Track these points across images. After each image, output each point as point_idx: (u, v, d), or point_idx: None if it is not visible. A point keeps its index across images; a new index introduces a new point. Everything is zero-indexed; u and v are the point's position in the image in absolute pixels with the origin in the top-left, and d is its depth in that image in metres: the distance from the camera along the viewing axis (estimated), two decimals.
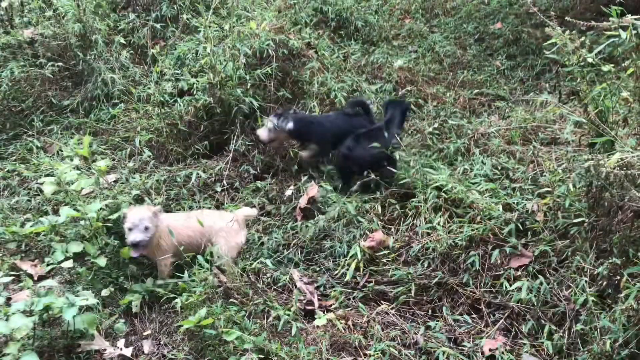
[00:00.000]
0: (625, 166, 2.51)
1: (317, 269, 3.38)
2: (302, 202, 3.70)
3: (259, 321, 2.95)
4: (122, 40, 4.93)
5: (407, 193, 3.52)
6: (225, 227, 3.28)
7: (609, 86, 2.95)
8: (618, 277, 2.62)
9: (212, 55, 4.15)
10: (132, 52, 5.05)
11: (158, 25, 5.22)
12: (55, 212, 3.58)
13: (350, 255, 3.29)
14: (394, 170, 3.66)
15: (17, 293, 3.22)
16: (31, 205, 3.85)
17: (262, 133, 4.11)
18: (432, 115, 4.45)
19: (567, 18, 2.92)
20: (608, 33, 2.86)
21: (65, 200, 3.45)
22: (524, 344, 2.75)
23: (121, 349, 2.88)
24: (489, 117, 4.39)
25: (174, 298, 2.95)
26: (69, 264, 3.12)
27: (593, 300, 2.64)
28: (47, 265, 3.26)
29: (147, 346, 2.93)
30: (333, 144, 4.01)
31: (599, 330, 2.56)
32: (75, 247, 3.20)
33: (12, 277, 3.21)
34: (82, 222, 3.32)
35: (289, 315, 2.93)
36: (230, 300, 3.00)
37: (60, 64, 4.85)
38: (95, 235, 3.28)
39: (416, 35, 5.92)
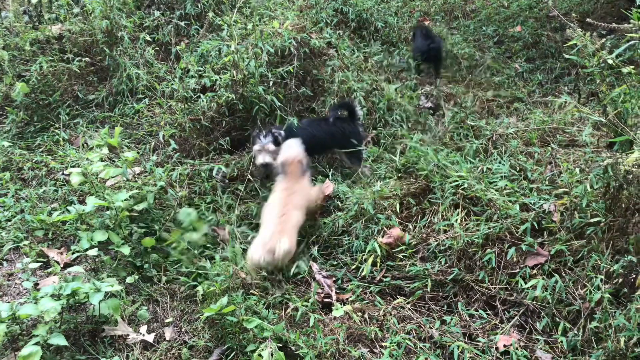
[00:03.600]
0: None
1: (335, 263, 3.44)
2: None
3: (277, 312, 3.02)
4: (147, 37, 5.04)
5: (424, 189, 3.57)
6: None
7: (628, 88, 2.98)
8: (634, 276, 2.64)
9: (235, 53, 4.24)
10: (156, 48, 5.16)
11: (182, 23, 5.32)
12: (81, 202, 3.70)
13: (367, 250, 3.34)
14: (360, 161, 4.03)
15: (44, 279, 3.34)
16: (58, 195, 3.97)
17: (260, 159, 3.89)
18: (450, 115, 4.50)
19: (588, 20, 2.95)
20: (628, 35, 2.89)
21: (91, 190, 3.55)
22: (538, 340, 2.79)
23: (144, 335, 2.96)
24: (507, 118, 4.42)
25: (196, 286, 3.04)
26: (94, 252, 3.22)
27: (608, 299, 2.68)
28: (73, 253, 3.38)
29: (168, 333, 3.02)
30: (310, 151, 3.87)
31: (613, 328, 2.59)
32: (100, 236, 3.31)
33: (39, 264, 3.34)
34: (107, 212, 3.43)
35: (306, 306, 3.00)
36: (250, 291, 3.08)
37: (86, 59, 4.97)
38: (119, 225, 3.39)
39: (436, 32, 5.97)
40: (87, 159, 3.58)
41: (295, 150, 3.64)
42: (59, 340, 2.68)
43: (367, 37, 5.69)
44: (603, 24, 2.88)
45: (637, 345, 2.51)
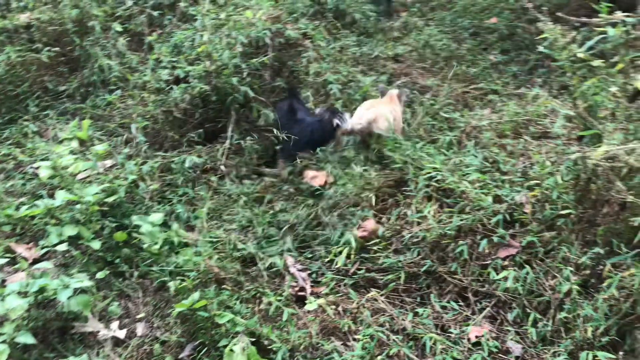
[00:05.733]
0: (610, 158, 2.58)
1: (310, 255, 3.43)
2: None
3: (250, 306, 3.01)
4: (119, 27, 4.94)
5: (399, 181, 3.58)
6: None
7: (598, 81, 3.01)
8: (601, 267, 2.69)
9: (208, 44, 4.18)
10: (129, 39, 5.07)
11: (155, 13, 5.23)
12: (51, 197, 3.61)
13: (342, 243, 3.34)
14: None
15: (12, 275, 3.26)
16: (26, 189, 3.88)
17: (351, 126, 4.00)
18: (426, 106, 4.51)
19: (558, 14, 2.97)
20: (599, 29, 2.92)
21: (61, 184, 3.48)
22: (509, 331, 2.82)
23: (115, 331, 2.93)
24: (481, 110, 4.44)
25: (168, 282, 3.00)
26: (63, 247, 3.15)
27: (577, 290, 2.72)
28: (42, 248, 3.30)
29: (140, 328, 2.99)
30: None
31: (581, 318, 2.64)
32: (70, 231, 3.24)
33: (6, 260, 3.26)
34: (77, 206, 3.36)
35: (280, 300, 3.00)
36: (223, 286, 3.06)
37: (56, 49, 4.85)
38: (90, 219, 3.33)
39: (412, 29, 5.96)
40: (56, 152, 3.50)
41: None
42: (27, 339, 2.63)
43: (344, 28, 5.65)
44: (573, 18, 2.90)
45: (604, 334, 2.56)
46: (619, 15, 2.77)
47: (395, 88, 4.45)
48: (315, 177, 3.81)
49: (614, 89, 2.91)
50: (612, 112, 3.02)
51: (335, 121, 3.97)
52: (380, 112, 3.94)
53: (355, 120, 3.95)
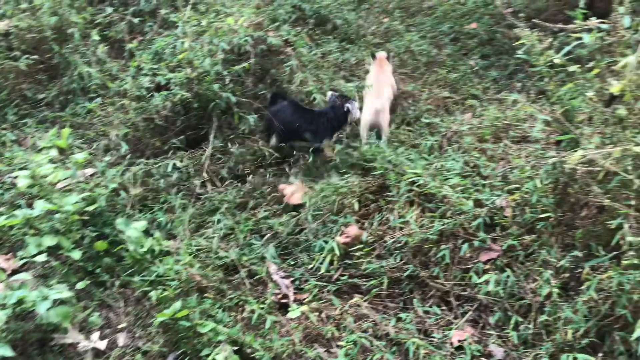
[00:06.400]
0: (587, 163, 2.61)
1: (293, 262, 3.43)
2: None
3: (233, 314, 2.99)
4: (98, 36, 4.90)
5: (381, 186, 3.59)
6: None
7: (575, 86, 3.06)
8: (580, 270, 2.72)
9: (189, 51, 4.16)
10: (109, 46, 5.02)
11: (136, 20, 5.20)
12: (30, 206, 3.56)
13: (326, 249, 3.34)
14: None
15: None
16: (4, 199, 3.82)
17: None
18: (407, 111, 4.54)
19: (534, 20, 3.01)
20: (574, 35, 2.97)
21: (40, 193, 3.44)
22: (491, 334, 2.84)
23: (95, 342, 2.89)
24: (462, 115, 4.48)
25: (149, 291, 2.98)
26: (42, 257, 3.10)
27: (557, 292, 2.75)
28: (21, 259, 3.25)
29: (121, 339, 2.96)
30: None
31: (562, 320, 2.67)
32: (49, 241, 3.18)
33: None
34: (57, 216, 3.32)
35: (263, 308, 2.98)
36: (205, 295, 3.05)
37: (35, 57, 4.80)
38: (70, 228, 3.28)
39: (393, 34, 5.99)
40: (35, 161, 3.45)
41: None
42: (5, 351, 2.59)
43: (325, 34, 5.67)
44: (549, 25, 2.95)
45: (583, 336, 2.59)
46: (593, 21, 2.82)
47: (381, 51, 4.95)
48: (293, 194, 3.80)
49: (590, 93, 2.95)
50: (589, 116, 3.06)
51: (347, 106, 4.23)
52: (384, 98, 4.41)
53: (366, 112, 4.37)
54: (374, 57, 4.80)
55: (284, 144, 4.36)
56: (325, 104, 4.38)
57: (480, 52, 5.65)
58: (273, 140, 4.35)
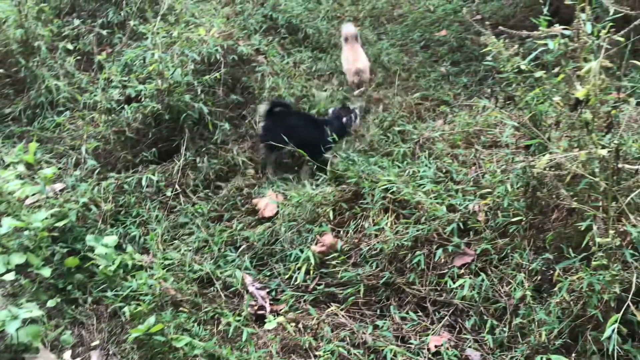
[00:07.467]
0: (555, 167, 2.66)
1: (269, 273, 3.41)
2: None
3: (209, 328, 2.96)
4: (68, 47, 4.83)
5: (355, 194, 3.60)
6: None
7: (542, 91, 3.12)
8: (552, 272, 2.76)
9: (159, 62, 4.13)
10: (77, 58, 4.96)
11: (104, 32, 5.14)
12: None
13: (301, 259, 3.33)
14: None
15: None
16: None
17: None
18: (380, 119, 4.57)
19: (501, 28, 3.07)
20: (540, 42, 3.02)
21: (7, 210, 3.36)
22: (468, 339, 2.86)
23: None
24: (434, 121, 4.52)
25: (123, 307, 2.93)
26: (10, 276, 3.03)
27: (530, 295, 2.79)
28: None
29: (95, 357, 2.90)
30: None
31: (536, 322, 2.70)
32: (18, 259, 3.11)
33: None
34: (25, 233, 3.24)
35: (239, 320, 2.96)
36: (180, 309, 3.00)
37: (1, 71, 4.70)
38: (39, 245, 3.21)
39: (364, 43, 6.04)
40: (2, 177, 3.37)
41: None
42: None
43: (297, 43, 5.69)
44: (516, 32, 3.00)
45: (557, 337, 2.62)
46: (557, 28, 2.88)
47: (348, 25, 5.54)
48: (266, 207, 3.79)
49: (557, 98, 3.00)
50: (556, 120, 3.12)
51: (351, 116, 4.48)
52: (362, 59, 5.26)
53: (350, 75, 5.20)
54: (346, 40, 5.33)
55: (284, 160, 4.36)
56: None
57: (451, 59, 5.73)
58: (272, 156, 4.28)
